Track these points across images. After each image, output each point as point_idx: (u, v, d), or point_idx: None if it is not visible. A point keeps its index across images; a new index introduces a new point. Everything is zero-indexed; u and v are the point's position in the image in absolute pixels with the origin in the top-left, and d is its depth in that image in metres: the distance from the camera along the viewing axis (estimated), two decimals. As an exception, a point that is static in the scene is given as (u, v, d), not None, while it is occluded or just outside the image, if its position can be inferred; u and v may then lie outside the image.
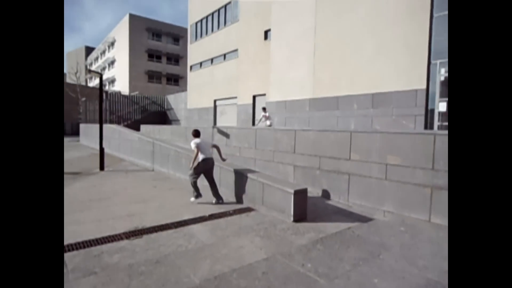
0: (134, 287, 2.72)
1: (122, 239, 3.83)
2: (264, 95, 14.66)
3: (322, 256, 3.41)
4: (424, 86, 8.06)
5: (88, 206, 5.36)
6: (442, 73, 7.79)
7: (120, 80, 43.80)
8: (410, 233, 4.21)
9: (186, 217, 4.75)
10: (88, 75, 52.67)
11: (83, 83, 41.41)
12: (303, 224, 4.50)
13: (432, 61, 7.93)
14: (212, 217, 4.80)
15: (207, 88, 19.16)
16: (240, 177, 5.73)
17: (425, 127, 8.15)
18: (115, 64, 45.70)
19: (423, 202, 4.65)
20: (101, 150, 9.43)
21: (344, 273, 3.04)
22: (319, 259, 3.33)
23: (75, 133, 31.06)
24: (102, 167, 9.31)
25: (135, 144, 10.79)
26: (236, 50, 16.81)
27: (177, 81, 44.52)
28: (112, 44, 46.33)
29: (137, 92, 25.55)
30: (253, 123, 15.18)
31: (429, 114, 8.17)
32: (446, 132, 4.71)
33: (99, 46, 51.88)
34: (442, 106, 7.88)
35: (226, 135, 9.01)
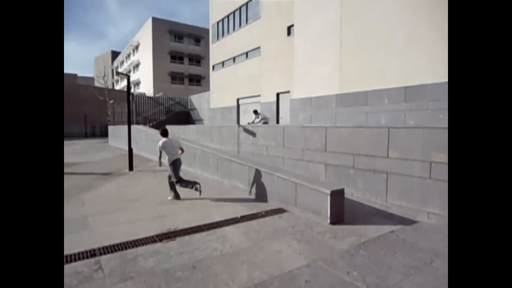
0: (171, 294, 2.60)
1: (155, 241, 3.75)
2: (288, 92, 14.38)
3: (367, 264, 3.14)
4: (465, 77, 7.45)
5: (120, 207, 5.39)
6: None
7: (144, 82, 45.06)
8: (462, 237, 3.82)
9: (217, 218, 4.63)
10: (116, 78, 54.69)
11: (110, 87, 42.99)
12: (341, 227, 4.23)
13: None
14: (244, 218, 4.64)
15: (230, 87, 19.14)
16: (271, 177, 5.53)
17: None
18: (140, 67, 47.05)
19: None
20: (130, 150, 9.59)
21: (396, 283, 2.75)
22: (365, 267, 3.06)
23: (104, 134, 32.30)
24: (131, 168, 9.46)
25: (162, 144, 10.90)
26: (258, 48, 16.62)
27: (199, 81, 45.11)
28: (137, 47, 47.71)
29: (161, 93, 26.08)
30: (277, 122, 14.94)
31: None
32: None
33: (124, 50, 53.65)
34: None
35: (253, 134, 8.85)
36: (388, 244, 3.64)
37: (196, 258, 3.28)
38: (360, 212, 4.95)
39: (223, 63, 20.34)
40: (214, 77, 21.30)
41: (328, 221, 4.34)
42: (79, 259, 3.28)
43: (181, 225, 4.32)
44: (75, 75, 38.78)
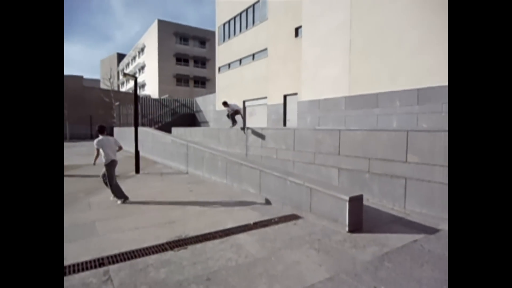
0: (186, 310, 2.41)
1: (166, 249, 3.57)
2: (295, 94, 14.19)
3: (394, 277, 2.92)
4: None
5: (128, 212, 5.21)
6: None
7: (150, 84, 45.17)
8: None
9: (229, 225, 4.43)
10: (121, 80, 54.94)
11: (116, 89, 43.16)
12: (360, 236, 4.01)
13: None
14: (257, 225, 4.44)
15: (236, 89, 19.00)
16: (283, 182, 5.33)
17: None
18: (145, 69, 47.21)
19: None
20: (137, 153, 9.45)
21: (429, 300, 2.54)
22: (392, 281, 2.85)
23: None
24: (137, 170, 9.32)
25: (168, 146, 10.76)
26: (265, 50, 16.47)
27: (204, 83, 45.12)
28: (142, 50, 47.91)
29: (167, 95, 26.05)
30: (285, 123, 14.76)
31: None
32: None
33: (130, 53, 53.93)
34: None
35: (261, 136, 8.66)
36: (414, 255, 3.42)
37: (210, 269, 3.08)
38: (378, 219, 4.72)
39: (229, 65, 20.22)
40: (220, 79, 21.19)
41: (346, 229, 4.12)
42: (87, 268, 3.10)
43: (192, 232, 4.13)
44: (81, 77, 38.91)
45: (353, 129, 6.12)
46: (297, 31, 14.22)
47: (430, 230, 4.23)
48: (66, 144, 24.31)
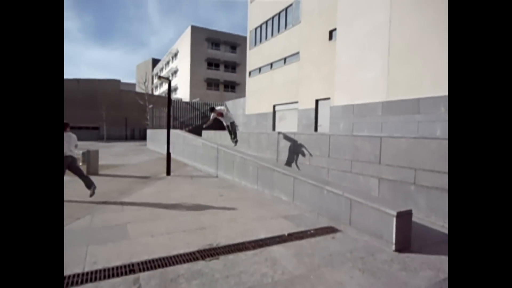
0: (220, 331, 2.19)
1: (197, 259, 3.39)
2: (328, 99, 13.72)
3: (459, 311, 2.50)
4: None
5: (159, 215, 5.15)
6: None
7: (181, 88, 46.54)
8: None
9: (262, 235, 4.18)
10: (155, 83, 57.20)
11: (150, 92, 44.92)
12: (409, 256, 3.58)
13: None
14: (292, 237, 4.15)
15: (266, 94, 18.84)
16: (320, 191, 4.99)
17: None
18: (178, 73, 48.77)
19: None
20: (168, 155, 9.54)
21: None
22: (457, 315, 2.43)
23: (143, 138, 33.63)
24: (168, 172, 9.39)
25: (199, 149, 10.78)
26: (297, 53, 16.17)
27: (233, 88, 45.64)
28: (175, 55, 49.60)
29: (198, 99, 26.56)
30: (316, 129, 14.32)
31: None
32: None
33: (164, 58, 56.11)
34: None
35: (294, 142, 8.35)
36: (477, 284, 2.94)
37: (244, 284, 2.84)
38: (428, 238, 4.23)
39: (259, 69, 20.14)
40: (250, 83, 21.17)
41: (393, 247, 3.70)
42: (118, 274, 2.99)
43: (224, 240, 3.94)
44: (119, 81, 41.01)
45: (396, 136, 5.64)
46: (331, 33, 13.79)
47: (493, 255, 3.69)
48: (103, 144, 25.58)
